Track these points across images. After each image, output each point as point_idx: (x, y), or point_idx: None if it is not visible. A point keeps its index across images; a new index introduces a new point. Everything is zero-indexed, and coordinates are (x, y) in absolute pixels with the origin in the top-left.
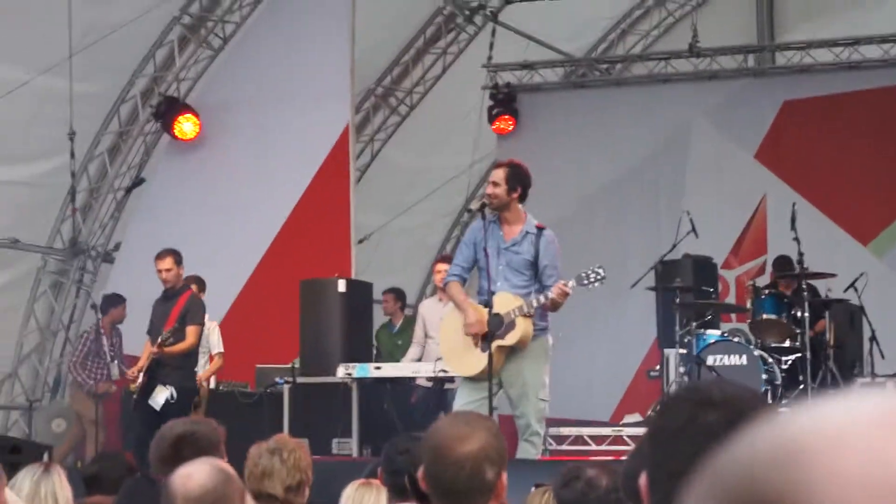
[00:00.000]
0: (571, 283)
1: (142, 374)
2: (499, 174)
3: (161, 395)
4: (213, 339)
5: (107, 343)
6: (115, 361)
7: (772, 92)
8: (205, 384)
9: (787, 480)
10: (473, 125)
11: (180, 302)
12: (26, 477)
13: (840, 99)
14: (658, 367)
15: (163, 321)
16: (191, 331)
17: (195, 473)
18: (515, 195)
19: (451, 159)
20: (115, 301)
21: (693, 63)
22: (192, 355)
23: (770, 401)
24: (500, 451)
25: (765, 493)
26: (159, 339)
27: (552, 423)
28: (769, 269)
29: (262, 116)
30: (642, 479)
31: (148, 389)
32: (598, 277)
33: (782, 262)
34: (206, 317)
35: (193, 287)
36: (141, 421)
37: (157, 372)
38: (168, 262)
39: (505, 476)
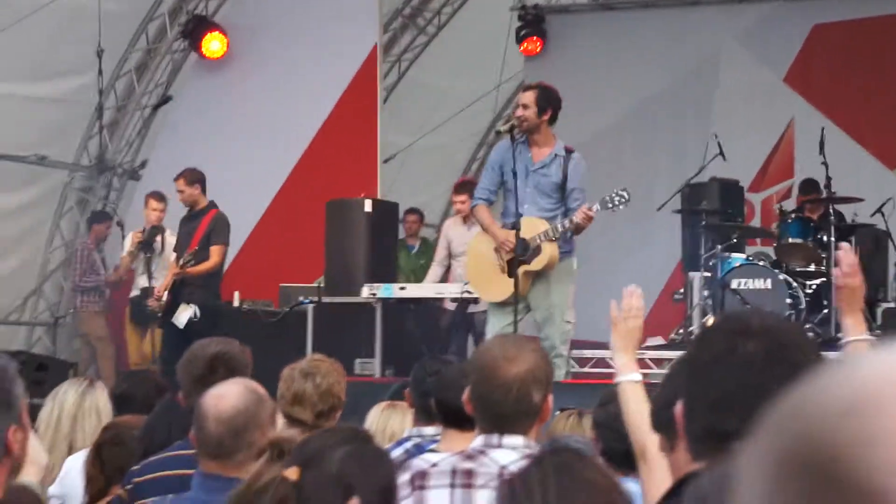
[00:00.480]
0: (596, 206)
1: (166, 293)
2: (528, 96)
3: (184, 314)
4: (167, 252)
5: (98, 258)
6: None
7: (802, 15)
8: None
9: (851, 436)
10: (501, 46)
11: (204, 222)
12: (70, 390)
13: (871, 23)
14: (682, 290)
15: (187, 241)
16: (214, 250)
17: (227, 394)
18: (545, 117)
19: (478, 80)
20: (99, 217)
21: None
22: (216, 274)
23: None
24: (547, 373)
25: (826, 449)
26: (181, 261)
27: (575, 345)
28: (796, 192)
29: (289, 36)
30: (678, 408)
31: (172, 308)
32: (623, 200)
33: (808, 185)
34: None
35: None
36: (165, 340)
37: (180, 291)
38: (180, 184)
39: (551, 399)
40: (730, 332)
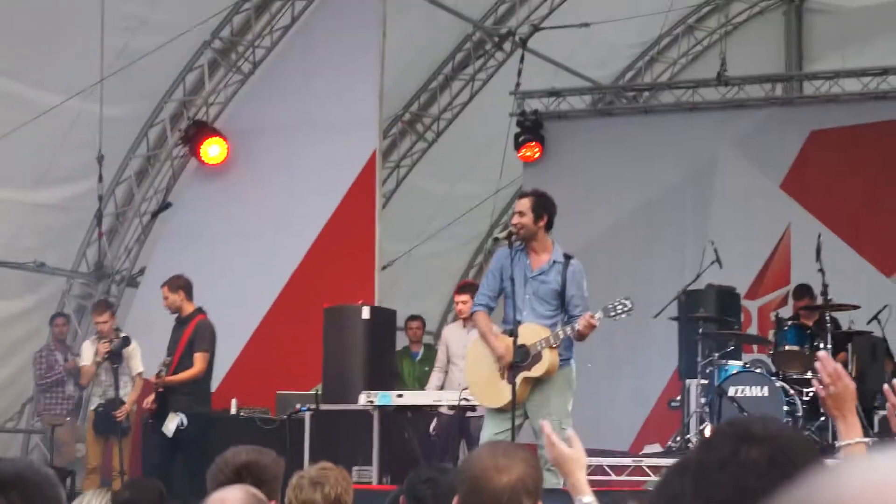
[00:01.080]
0: (598, 314)
1: (152, 402)
2: (525, 203)
3: (172, 423)
4: (133, 363)
5: (59, 357)
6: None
7: (799, 121)
8: (131, 408)
9: None
10: (500, 152)
11: (188, 329)
12: (93, 500)
13: (867, 129)
14: (679, 397)
15: (173, 348)
16: (198, 357)
17: (229, 498)
18: (542, 223)
19: (476, 186)
20: (54, 317)
21: (720, 91)
22: (201, 381)
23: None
24: (536, 481)
25: None
26: (157, 372)
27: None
28: (792, 299)
29: (289, 142)
30: None
31: (160, 416)
32: (625, 309)
33: (801, 291)
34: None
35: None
36: (156, 448)
37: (167, 399)
38: (164, 291)
39: None
40: (733, 437)
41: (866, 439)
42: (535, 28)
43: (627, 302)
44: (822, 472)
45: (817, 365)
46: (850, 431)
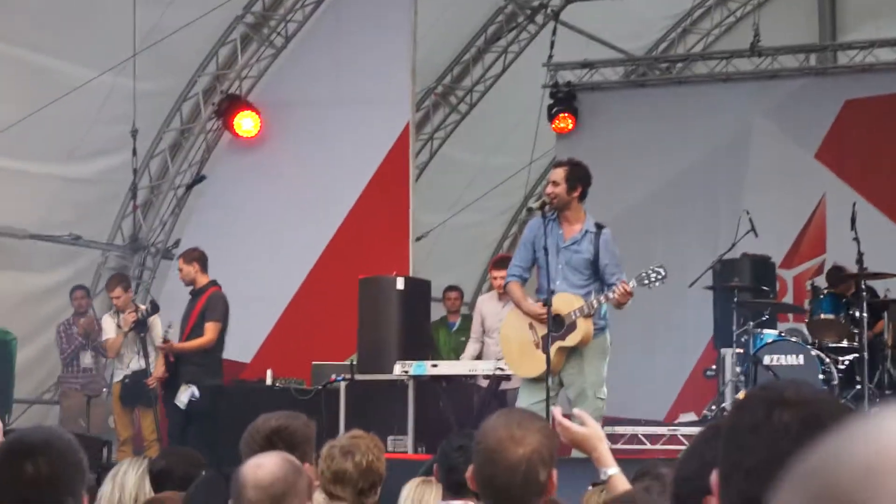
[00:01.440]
0: (633, 282)
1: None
2: (559, 173)
3: (184, 395)
4: (156, 333)
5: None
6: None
7: (833, 91)
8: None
9: (870, 493)
10: (533, 124)
11: (201, 301)
12: (129, 470)
13: None
14: (714, 366)
15: (186, 320)
16: (209, 327)
17: (266, 463)
18: (576, 194)
19: (510, 158)
20: (74, 288)
21: (754, 62)
22: (212, 352)
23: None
24: (551, 450)
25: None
26: (163, 339)
27: (607, 421)
28: (828, 267)
29: (322, 115)
30: (713, 477)
31: (172, 387)
32: (659, 277)
33: (835, 273)
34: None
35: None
36: (171, 419)
37: (178, 370)
38: (180, 263)
39: (555, 473)
40: (766, 401)
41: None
42: (568, 0)
43: (661, 270)
44: (852, 427)
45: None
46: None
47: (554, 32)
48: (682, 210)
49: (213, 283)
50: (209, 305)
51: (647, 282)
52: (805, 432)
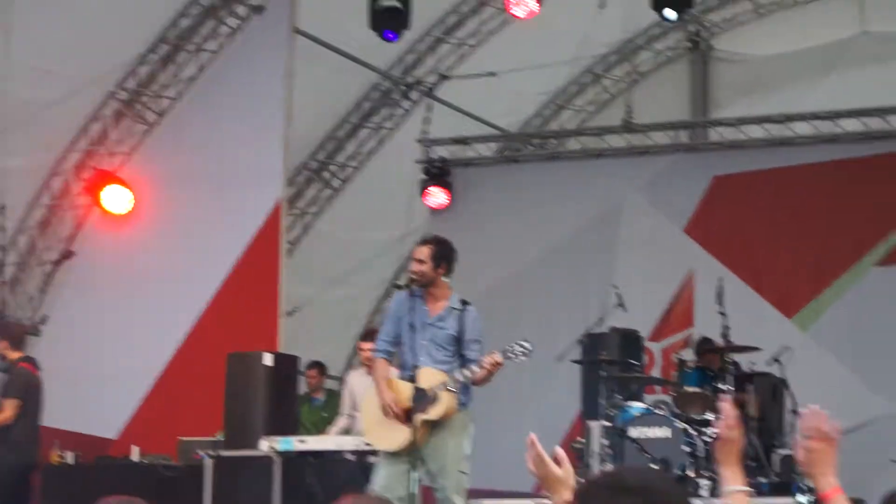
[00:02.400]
0: (498, 356)
1: None
2: (424, 251)
3: None
4: None
5: None
6: None
7: (703, 167)
8: None
9: None
10: (407, 199)
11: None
12: None
13: (769, 175)
14: (582, 438)
15: None
16: (7, 404)
17: None
18: (441, 271)
19: (383, 232)
20: None
21: (626, 138)
22: (11, 429)
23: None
24: None
25: None
26: None
27: (474, 494)
28: (695, 341)
29: (194, 191)
30: None
31: None
32: (525, 351)
33: (704, 344)
34: None
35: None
36: None
37: None
38: None
39: None
40: (609, 488)
41: (748, 488)
42: (443, 77)
43: (527, 344)
44: None
45: (723, 406)
46: (734, 478)
47: (429, 109)
48: (553, 284)
49: (23, 359)
50: (9, 382)
51: (511, 356)
52: None
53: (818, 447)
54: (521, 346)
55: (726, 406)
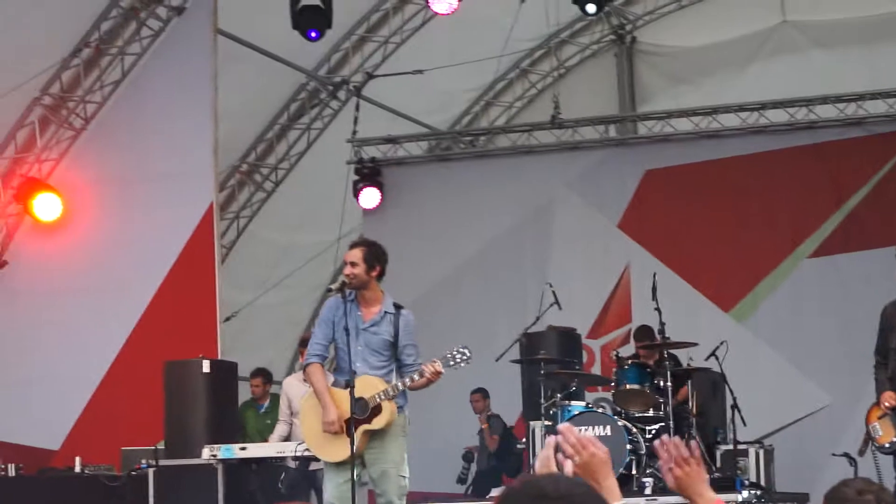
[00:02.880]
0: (439, 364)
1: None
2: (356, 254)
3: None
4: None
5: None
6: None
7: (634, 161)
8: None
9: None
10: (339, 200)
11: None
12: None
13: (700, 167)
14: (524, 439)
15: None
16: None
17: None
18: (374, 273)
19: (317, 235)
20: None
21: (555, 134)
22: None
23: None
24: None
25: None
26: None
27: (418, 497)
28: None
29: (125, 196)
30: None
31: None
32: (464, 357)
33: (642, 332)
34: None
35: None
36: None
37: None
38: None
39: None
40: (527, 496)
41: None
42: (369, 76)
43: (466, 351)
44: None
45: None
46: (610, 495)
47: (357, 108)
48: (488, 283)
49: None
50: None
51: (451, 363)
52: None
53: (685, 471)
54: (461, 352)
55: (564, 431)
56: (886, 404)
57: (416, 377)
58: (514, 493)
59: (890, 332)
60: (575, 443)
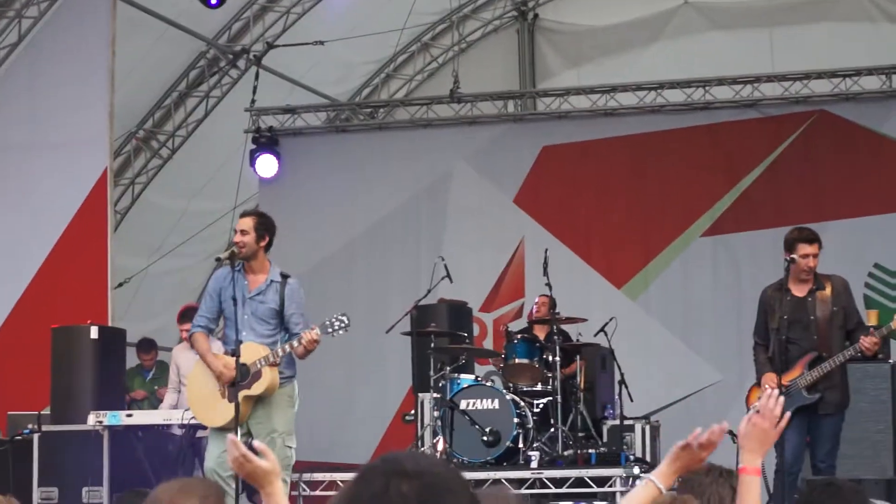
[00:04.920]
0: (317, 331)
1: None
2: (248, 222)
3: None
4: None
5: None
6: None
7: (531, 137)
8: None
9: None
10: (236, 169)
11: None
12: None
13: (596, 145)
14: (413, 411)
15: None
16: None
17: None
18: (263, 243)
19: (213, 203)
20: None
21: (454, 108)
22: None
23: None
24: None
25: None
26: None
27: (306, 467)
28: (526, 311)
29: (18, 161)
30: None
31: None
32: (343, 325)
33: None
34: None
35: None
36: None
37: None
38: None
39: None
40: (386, 472)
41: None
42: (270, 45)
43: (344, 318)
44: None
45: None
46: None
47: (256, 77)
48: (384, 256)
49: None
50: None
51: (330, 330)
52: (420, 503)
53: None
54: (340, 319)
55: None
56: (767, 387)
57: (295, 344)
58: (372, 471)
59: (770, 314)
60: (238, 456)
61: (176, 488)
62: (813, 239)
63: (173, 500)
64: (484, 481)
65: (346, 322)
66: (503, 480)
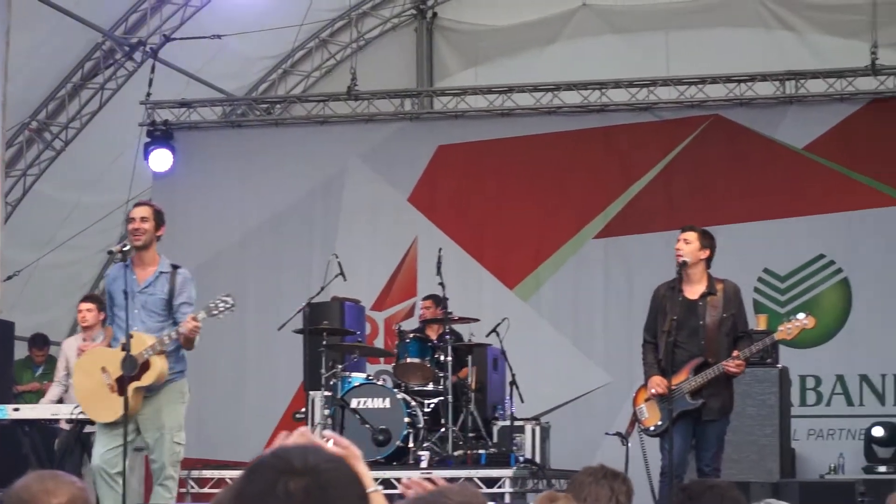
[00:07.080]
0: (201, 314)
1: None
2: (147, 210)
3: None
4: None
5: None
6: None
7: (427, 136)
8: None
9: None
10: (130, 162)
11: None
12: None
13: (492, 145)
14: (304, 409)
15: None
16: None
17: None
18: (159, 234)
19: (106, 196)
20: None
21: (351, 106)
22: None
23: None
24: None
25: None
26: None
27: (195, 464)
28: (418, 311)
29: None
30: None
31: None
32: (227, 306)
33: (433, 300)
34: None
35: None
36: None
37: None
38: None
39: None
40: (275, 469)
41: None
42: (167, 38)
43: (229, 299)
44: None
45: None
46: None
47: (152, 70)
48: (277, 252)
49: None
50: None
51: (215, 312)
52: (308, 501)
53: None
54: (224, 301)
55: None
56: (653, 390)
57: (180, 329)
58: (260, 466)
59: (661, 314)
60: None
61: (48, 476)
62: (686, 229)
63: (47, 489)
64: (375, 479)
65: (231, 303)
66: (476, 479)
